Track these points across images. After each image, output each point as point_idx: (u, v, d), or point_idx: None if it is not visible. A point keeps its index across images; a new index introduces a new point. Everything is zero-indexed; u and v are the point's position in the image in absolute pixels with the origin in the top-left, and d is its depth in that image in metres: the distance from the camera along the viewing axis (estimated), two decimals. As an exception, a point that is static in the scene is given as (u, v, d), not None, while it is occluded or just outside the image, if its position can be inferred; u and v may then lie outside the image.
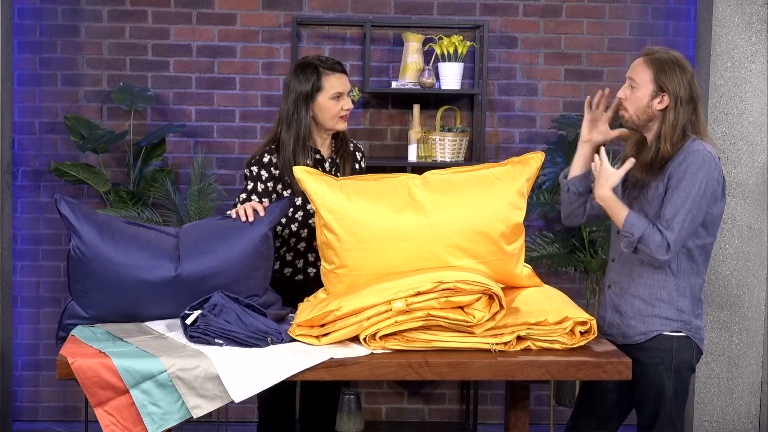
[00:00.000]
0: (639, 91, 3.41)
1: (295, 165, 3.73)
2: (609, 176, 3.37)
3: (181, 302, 3.31)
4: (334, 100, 3.81)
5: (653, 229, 3.32)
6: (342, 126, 3.85)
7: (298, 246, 3.88)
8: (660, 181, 3.38)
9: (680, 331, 3.42)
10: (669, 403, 3.42)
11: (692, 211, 3.31)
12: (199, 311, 3.21)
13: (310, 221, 3.85)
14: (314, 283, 3.72)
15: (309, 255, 3.89)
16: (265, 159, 3.83)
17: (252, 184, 3.81)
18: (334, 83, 3.81)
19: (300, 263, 3.89)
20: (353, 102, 5.06)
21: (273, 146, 3.84)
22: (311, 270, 3.88)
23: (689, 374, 3.47)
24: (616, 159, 3.79)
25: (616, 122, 4.90)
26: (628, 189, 3.51)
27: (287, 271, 3.89)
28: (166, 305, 3.37)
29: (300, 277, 3.89)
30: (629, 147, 3.56)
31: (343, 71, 3.86)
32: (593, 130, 3.57)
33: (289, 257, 3.88)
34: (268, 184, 3.82)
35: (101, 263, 3.35)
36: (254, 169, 3.83)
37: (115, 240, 3.38)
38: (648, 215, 3.39)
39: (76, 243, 3.37)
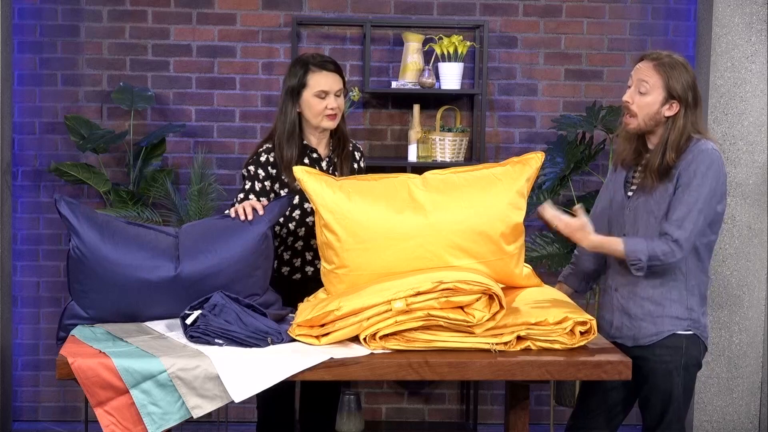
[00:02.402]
0: (649, 97, 3.38)
1: (282, 156, 3.74)
2: (585, 226, 3.37)
3: (181, 302, 3.31)
4: (318, 98, 3.80)
5: (655, 242, 3.33)
6: (328, 124, 3.84)
7: (296, 245, 3.87)
8: (669, 182, 3.38)
9: (690, 330, 3.43)
10: (677, 400, 3.43)
11: (704, 211, 3.33)
12: (199, 311, 3.21)
13: (307, 220, 3.85)
14: (312, 282, 3.73)
15: (307, 254, 3.88)
16: (263, 158, 3.83)
17: (250, 184, 3.81)
18: (319, 81, 3.80)
19: (297, 262, 3.89)
20: (353, 102, 5.10)
21: (270, 145, 3.85)
22: (309, 269, 3.88)
23: (696, 371, 3.48)
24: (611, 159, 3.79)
25: (616, 121, 4.90)
26: (632, 193, 3.50)
27: (285, 270, 3.89)
28: (166, 305, 3.37)
29: (298, 276, 3.89)
30: (626, 151, 3.52)
31: (334, 71, 3.83)
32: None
33: (286, 256, 3.88)
34: (266, 183, 3.82)
35: (101, 263, 3.35)
36: (251, 168, 3.83)
37: (115, 240, 3.38)
38: (657, 217, 3.39)
39: (75, 243, 3.37)
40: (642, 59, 3.44)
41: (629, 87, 3.44)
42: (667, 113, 3.38)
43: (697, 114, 3.40)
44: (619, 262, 3.53)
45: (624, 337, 3.47)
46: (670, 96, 3.36)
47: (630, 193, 3.51)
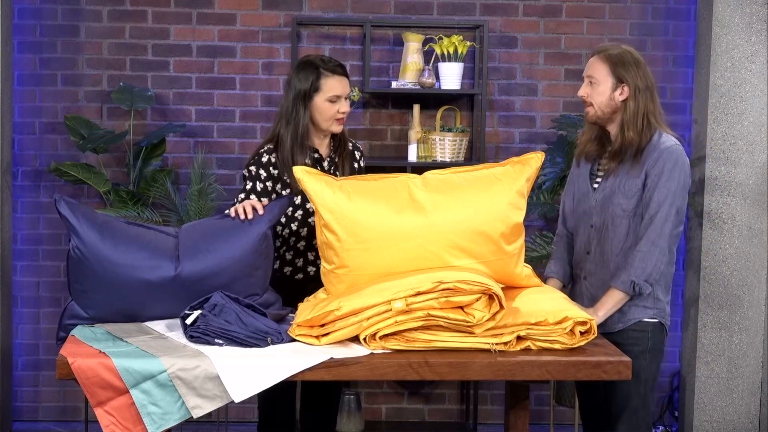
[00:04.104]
0: (600, 86, 3.55)
1: (293, 164, 3.74)
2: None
3: (181, 302, 3.31)
4: (331, 103, 3.80)
5: (634, 267, 3.45)
6: (337, 128, 3.84)
7: (298, 245, 3.87)
8: (636, 177, 3.50)
9: (655, 318, 3.56)
10: (644, 385, 3.52)
11: (675, 204, 3.46)
12: (199, 311, 3.21)
13: (309, 220, 3.85)
14: (314, 282, 3.72)
15: (309, 254, 3.88)
16: (264, 159, 3.82)
17: (251, 184, 3.80)
18: (332, 85, 3.80)
19: (300, 262, 3.89)
20: (353, 102, 5.10)
21: (271, 146, 3.84)
22: (311, 269, 3.88)
23: (661, 356, 3.60)
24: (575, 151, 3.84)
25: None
26: (597, 185, 3.59)
27: (287, 270, 3.89)
28: (165, 305, 3.37)
29: (300, 276, 3.89)
30: (590, 144, 3.65)
31: (344, 74, 3.84)
32: None
33: (288, 256, 3.88)
34: (267, 183, 3.81)
35: (101, 263, 3.35)
36: (252, 169, 3.82)
37: (115, 240, 3.38)
38: (625, 210, 3.51)
39: (75, 243, 3.37)
40: (592, 56, 3.62)
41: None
42: (620, 97, 3.54)
43: (652, 99, 3.54)
44: (586, 251, 3.63)
45: None
46: (619, 80, 3.53)
47: (595, 186, 3.61)
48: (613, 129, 3.58)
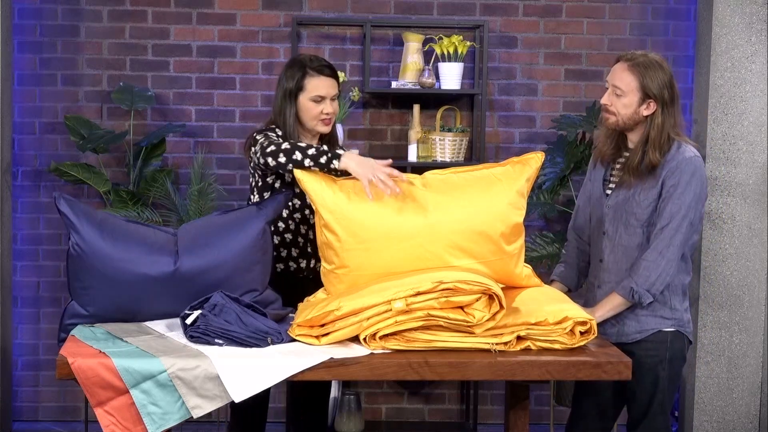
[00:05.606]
0: (625, 98, 3.44)
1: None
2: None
3: (180, 297, 3.32)
4: (315, 103, 3.78)
5: (638, 274, 3.41)
6: (322, 129, 3.82)
7: (306, 246, 3.87)
8: (652, 187, 3.43)
9: (673, 327, 3.51)
10: (662, 392, 3.50)
11: (688, 217, 3.40)
12: (199, 311, 3.21)
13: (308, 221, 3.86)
14: (315, 280, 3.72)
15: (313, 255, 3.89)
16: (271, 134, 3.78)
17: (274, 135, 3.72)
18: (316, 85, 3.78)
19: (303, 263, 3.88)
20: (353, 102, 5.10)
21: (273, 126, 3.81)
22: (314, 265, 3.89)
23: (682, 364, 3.55)
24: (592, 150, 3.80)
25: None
26: (610, 191, 3.54)
27: (292, 266, 3.88)
28: (165, 300, 3.37)
29: (307, 274, 3.88)
30: (606, 146, 3.57)
31: (331, 75, 3.80)
32: None
33: (294, 253, 3.88)
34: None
35: (100, 259, 3.35)
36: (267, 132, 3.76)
37: (114, 236, 3.39)
38: (639, 219, 3.45)
39: (75, 240, 3.37)
40: (618, 60, 3.49)
41: (607, 89, 3.50)
42: (645, 112, 3.44)
43: (676, 112, 3.45)
44: (599, 259, 3.58)
45: (608, 334, 3.53)
46: (646, 96, 3.42)
47: (608, 191, 3.56)
48: (633, 137, 3.50)
